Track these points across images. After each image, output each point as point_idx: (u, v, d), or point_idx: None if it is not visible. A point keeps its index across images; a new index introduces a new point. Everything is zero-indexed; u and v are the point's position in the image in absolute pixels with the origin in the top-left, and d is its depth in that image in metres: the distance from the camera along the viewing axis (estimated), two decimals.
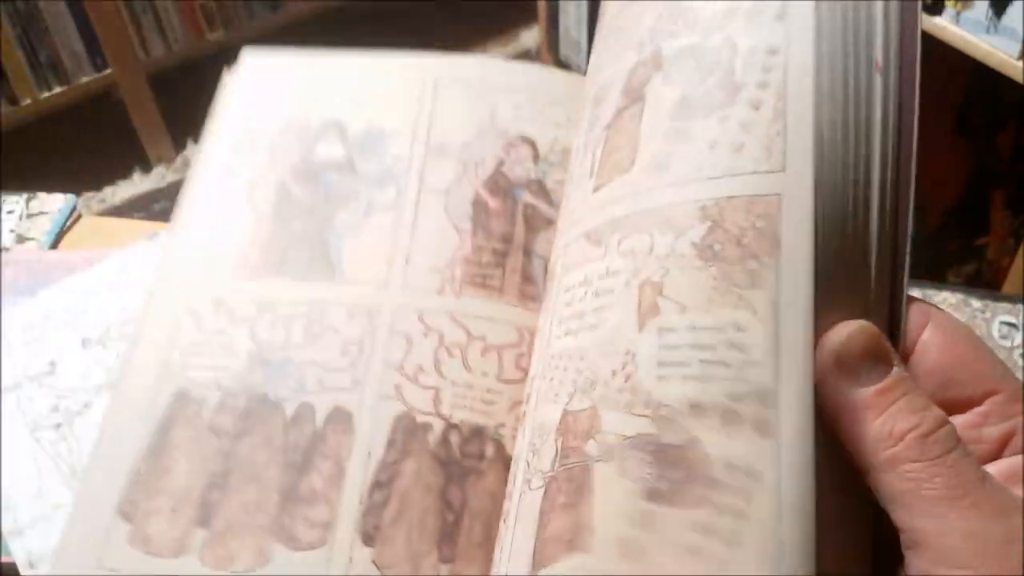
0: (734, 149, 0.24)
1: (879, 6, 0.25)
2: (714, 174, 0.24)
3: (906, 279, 0.23)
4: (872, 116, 0.24)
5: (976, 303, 0.63)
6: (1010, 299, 0.64)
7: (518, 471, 0.27)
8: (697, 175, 0.24)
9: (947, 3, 0.87)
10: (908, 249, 0.23)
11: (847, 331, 0.22)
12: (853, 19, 0.24)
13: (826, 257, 0.22)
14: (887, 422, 0.21)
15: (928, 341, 0.23)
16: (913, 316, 0.23)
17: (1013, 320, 0.63)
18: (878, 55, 0.24)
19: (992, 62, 0.86)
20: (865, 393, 0.21)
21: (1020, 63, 0.84)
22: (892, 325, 0.23)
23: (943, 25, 0.90)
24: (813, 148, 0.23)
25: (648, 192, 0.25)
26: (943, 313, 0.23)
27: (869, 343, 0.22)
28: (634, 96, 0.27)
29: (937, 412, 0.21)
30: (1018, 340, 0.62)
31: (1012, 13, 0.84)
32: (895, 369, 0.22)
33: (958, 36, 0.87)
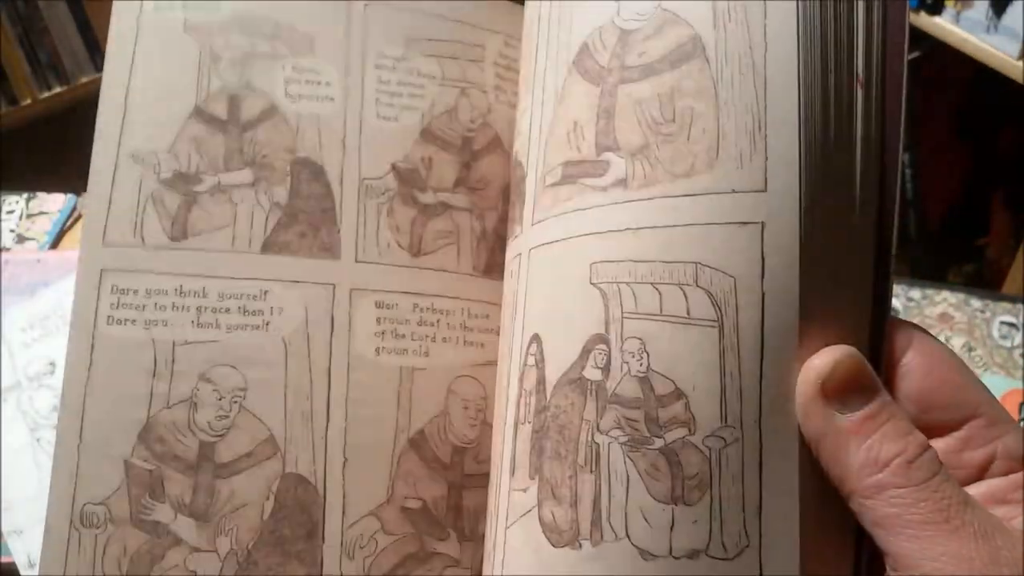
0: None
1: (861, 18, 0.24)
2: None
3: (889, 299, 0.23)
4: (854, 132, 0.23)
5: (976, 303, 0.63)
6: (1010, 299, 0.64)
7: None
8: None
9: (947, 3, 0.87)
10: (891, 269, 0.23)
11: (832, 357, 0.21)
12: (834, 32, 0.24)
13: (809, 280, 0.22)
14: (872, 448, 0.21)
15: (910, 364, 0.22)
16: (896, 338, 0.23)
17: (1013, 320, 0.63)
18: (860, 69, 0.23)
19: (992, 62, 0.86)
20: (849, 420, 0.21)
21: (1020, 63, 0.85)
22: (874, 347, 0.23)
23: (943, 25, 0.89)
24: (798, 167, 0.22)
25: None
26: (927, 336, 0.23)
27: (854, 370, 0.21)
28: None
29: (920, 437, 0.21)
30: (1018, 340, 0.63)
31: (1012, 13, 0.84)
32: (879, 395, 0.21)
33: (958, 36, 0.87)
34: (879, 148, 0.23)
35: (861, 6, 0.24)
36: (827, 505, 0.22)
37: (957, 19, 0.87)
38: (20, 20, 1.33)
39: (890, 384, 0.22)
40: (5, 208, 0.60)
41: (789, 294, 0.22)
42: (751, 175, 0.22)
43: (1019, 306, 0.64)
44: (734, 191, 0.22)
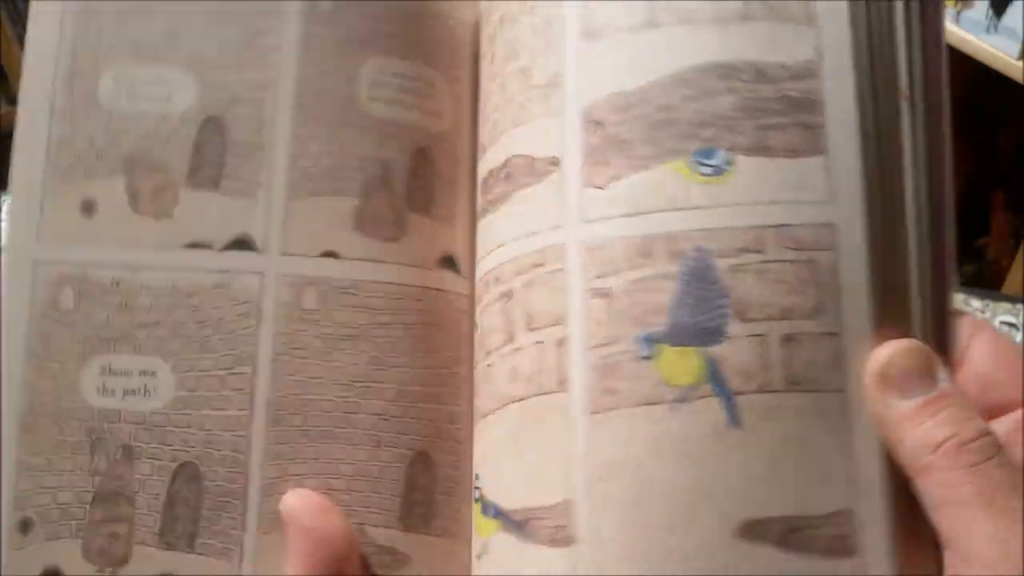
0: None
1: (901, 31, 0.25)
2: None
3: (951, 298, 0.25)
4: (902, 142, 0.25)
5: (976, 303, 0.63)
6: (1010, 299, 0.65)
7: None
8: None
9: (947, 3, 0.87)
10: (953, 265, 0.25)
11: (893, 348, 0.23)
12: (876, 38, 0.25)
13: (875, 283, 0.24)
14: (928, 431, 0.22)
15: (974, 348, 0.24)
16: (962, 329, 0.25)
17: (1013, 320, 0.63)
18: (903, 82, 0.25)
19: (992, 62, 0.85)
20: (908, 406, 0.23)
21: (1020, 63, 0.84)
22: (941, 339, 0.24)
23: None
24: (861, 176, 0.24)
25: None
26: (990, 327, 0.25)
27: (914, 358, 0.23)
28: None
29: (979, 423, 0.22)
30: (1018, 340, 0.63)
31: (1012, 13, 0.83)
32: (941, 383, 0.23)
33: (958, 36, 0.86)
34: (927, 156, 0.25)
35: (900, 20, 0.25)
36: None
37: (957, 19, 0.86)
38: (20, 20, 1.32)
39: (955, 370, 0.24)
40: (5, 208, 0.58)
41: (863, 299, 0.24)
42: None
43: (1019, 306, 0.64)
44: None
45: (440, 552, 0.28)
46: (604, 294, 0.25)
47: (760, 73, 0.25)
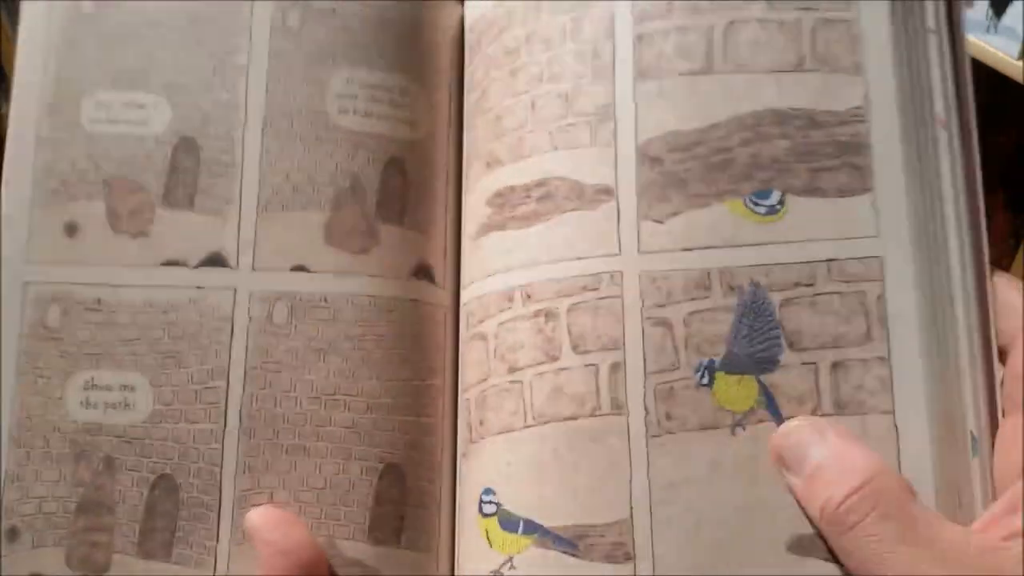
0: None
1: (935, 62, 0.26)
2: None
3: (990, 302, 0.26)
4: (941, 168, 0.26)
5: None
6: None
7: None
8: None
9: None
10: (987, 272, 0.26)
11: (779, 432, 0.25)
12: (915, 76, 0.26)
13: (923, 308, 0.26)
14: (811, 505, 0.24)
15: (996, 288, 0.26)
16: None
17: None
18: (939, 109, 0.26)
19: (992, 62, 0.83)
20: (797, 482, 0.24)
21: (1020, 63, 0.82)
22: (987, 350, 0.26)
23: None
24: (907, 210, 0.26)
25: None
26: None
27: (792, 439, 0.25)
28: None
29: (851, 482, 0.23)
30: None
31: (1012, 13, 0.82)
32: (816, 456, 0.24)
33: None
34: (964, 175, 0.26)
35: (935, 52, 0.27)
36: None
37: None
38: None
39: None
40: None
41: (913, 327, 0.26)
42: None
43: None
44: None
45: (410, 565, 0.28)
46: (663, 323, 0.26)
47: (812, 120, 0.27)
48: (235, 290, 0.29)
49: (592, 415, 0.26)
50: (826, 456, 0.24)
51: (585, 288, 0.27)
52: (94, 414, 0.28)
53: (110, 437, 0.28)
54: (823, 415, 0.25)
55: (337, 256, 0.29)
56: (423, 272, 0.30)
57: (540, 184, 0.28)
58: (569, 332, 0.27)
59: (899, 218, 0.26)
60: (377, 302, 0.29)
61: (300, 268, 0.29)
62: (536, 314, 0.27)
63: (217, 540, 0.27)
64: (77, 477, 0.28)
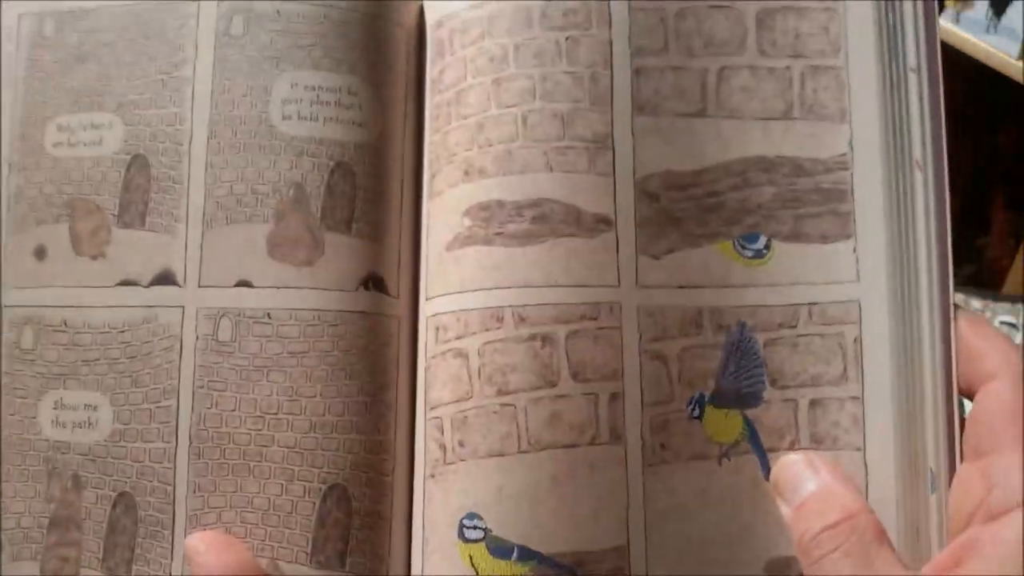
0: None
1: (915, 105, 0.27)
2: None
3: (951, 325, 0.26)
4: (916, 209, 0.27)
5: (976, 303, 0.65)
6: (1010, 299, 0.66)
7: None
8: None
9: (947, 3, 0.86)
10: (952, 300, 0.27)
11: (776, 465, 0.27)
12: (897, 119, 0.27)
13: (895, 350, 0.27)
14: (800, 532, 0.25)
15: (957, 328, 0.26)
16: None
17: (1013, 320, 0.64)
18: (917, 152, 0.27)
19: (992, 62, 0.85)
20: (786, 511, 0.26)
21: (1020, 63, 0.84)
22: (948, 374, 0.26)
23: (943, 25, 0.87)
24: (885, 255, 0.27)
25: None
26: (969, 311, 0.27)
27: (787, 472, 0.26)
28: None
29: (840, 511, 0.25)
30: (1018, 340, 0.64)
31: (1012, 13, 0.84)
32: (808, 487, 0.26)
33: (958, 36, 0.86)
34: (939, 223, 0.27)
35: (915, 95, 0.27)
36: None
37: (957, 19, 0.86)
38: None
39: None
40: None
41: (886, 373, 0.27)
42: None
43: (1019, 306, 0.66)
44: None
45: None
46: (659, 356, 0.27)
47: (798, 167, 0.28)
48: (183, 308, 0.29)
49: (592, 443, 0.26)
50: (814, 491, 0.26)
51: (584, 317, 0.27)
52: (63, 432, 0.29)
53: (77, 455, 0.29)
54: (800, 449, 0.27)
55: (280, 269, 0.28)
56: (374, 282, 0.29)
57: (534, 204, 0.27)
58: (568, 359, 0.27)
59: (877, 263, 0.27)
60: (322, 316, 0.28)
61: (244, 283, 0.28)
62: (532, 338, 0.27)
63: (172, 558, 0.28)
64: (49, 493, 0.29)
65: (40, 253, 0.30)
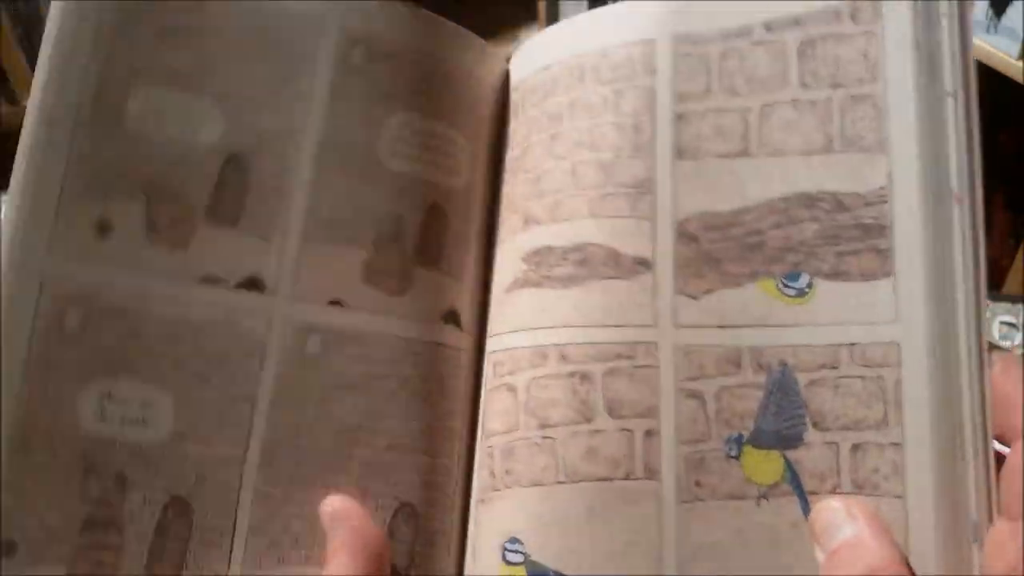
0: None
1: (952, 138, 0.27)
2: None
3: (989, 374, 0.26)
4: (954, 245, 0.26)
5: None
6: (1010, 299, 0.65)
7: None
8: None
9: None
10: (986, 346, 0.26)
11: (814, 510, 0.26)
12: (936, 147, 0.27)
13: (935, 396, 0.26)
14: None
15: (993, 374, 0.26)
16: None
17: (1013, 320, 0.64)
18: (955, 183, 0.26)
19: (992, 62, 0.84)
20: (820, 557, 0.26)
21: (1020, 63, 0.83)
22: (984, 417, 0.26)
23: None
24: (924, 295, 0.26)
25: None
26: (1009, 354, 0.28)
27: (824, 517, 0.26)
28: None
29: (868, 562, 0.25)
30: (1018, 340, 0.64)
31: (1012, 13, 0.83)
32: (844, 534, 0.25)
33: None
34: (975, 260, 0.26)
35: (952, 128, 0.27)
36: None
37: None
38: (20, 20, 1.25)
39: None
40: (4, 208, 0.53)
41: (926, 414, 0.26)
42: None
43: (1019, 306, 0.65)
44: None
45: None
46: (696, 395, 0.28)
47: (839, 203, 0.28)
48: (271, 317, 0.29)
49: (626, 478, 0.28)
50: (847, 539, 0.25)
51: (620, 355, 0.28)
52: (108, 428, 0.27)
53: (124, 453, 0.27)
54: (842, 493, 0.27)
55: (374, 295, 0.30)
56: (452, 317, 0.32)
57: (577, 248, 0.30)
58: (604, 396, 0.28)
59: (916, 302, 0.26)
60: (407, 343, 0.30)
61: (336, 303, 0.29)
62: (571, 375, 0.29)
63: (228, 568, 0.27)
64: (85, 492, 0.26)
65: (103, 228, 0.27)
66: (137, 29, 0.28)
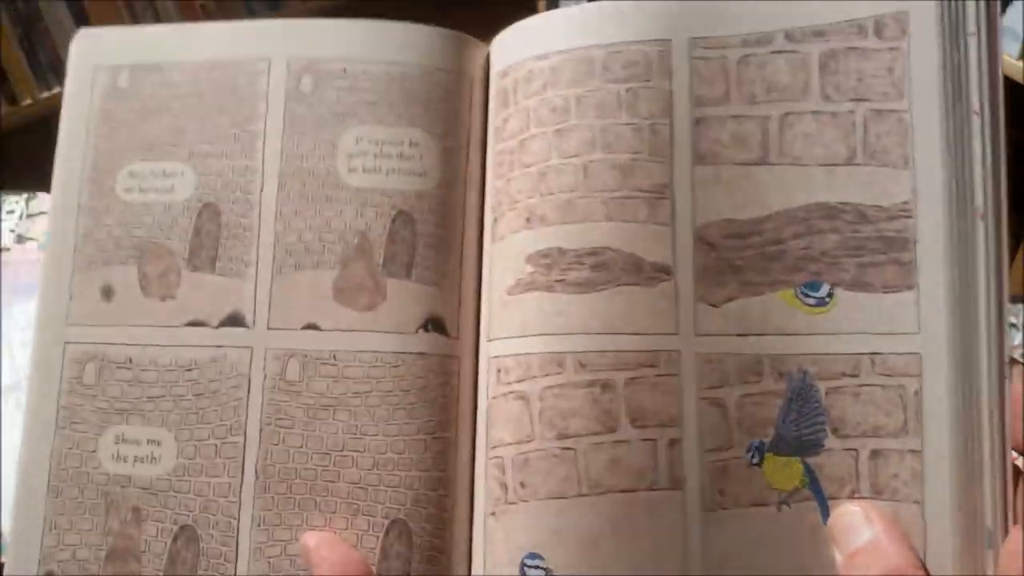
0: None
1: (978, 152, 0.27)
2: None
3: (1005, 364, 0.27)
4: (977, 261, 0.27)
5: None
6: (1010, 299, 0.61)
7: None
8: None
9: None
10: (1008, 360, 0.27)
11: (834, 513, 0.27)
12: (961, 165, 0.27)
13: (954, 406, 0.27)
14: None
15: (1014, 386, 0.27)
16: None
17: (1013, 320, 0.63)
18: (979, 200, 0.27)
19: None
20: (839, 558, 0.27)
21: (1020, 63, 0.84)
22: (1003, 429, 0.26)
23: None
24: (948, 309, 0.27)
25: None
26: None
27: (843, 521, 0.27)
28: None
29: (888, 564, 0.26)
30: (1018, 340, 0.63)
31: (1012, 13, 0.83)
32: (863, 537, 0.26)
33: None
34: (997, 276, 0.27)
35: (978, 142, 0.27)
36: None
37: None
38: (20, 20, 1.27)
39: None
40: (5, 208, 0.59)
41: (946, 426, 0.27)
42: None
43: (1019, 306, 0.65)
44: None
45: None
46: (718, 403, 0.28)
47: (861, 215, 0.28)
48: (252, 349, 0.30)
49: (650, 489, 0.27)
50: (865, 543, 0.26)
51: (642, 364, 0.28)
52: (124, 467, 0.30)
53: (138, 489, 0.30)
54: (860, 498, 0.27)
55: (345, 313, 0.30)
56: (433, 324, 0.31)
57: (594, 253, 0.29)
58: (627, 405, 0.28)
59: (938, 315, 0.27)
60: (383, 357, 0.30)
61: (311, 326, 0.30)
62: (591, 383, 0.28)
63: None
64: (108, 526, 0.30)
65: (107, 293, 0.31)
66: (118, 112, 0.32)
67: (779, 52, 0.29)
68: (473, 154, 0.32)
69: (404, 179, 0.31)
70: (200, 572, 0.29)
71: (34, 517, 0.30)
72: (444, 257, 0.31)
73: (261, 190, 0.31)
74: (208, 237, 0.31)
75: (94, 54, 0.33)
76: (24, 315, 0.50)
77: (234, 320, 0.30)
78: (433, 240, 0.31)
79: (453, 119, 0.32)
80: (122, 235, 0.31)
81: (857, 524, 0.26)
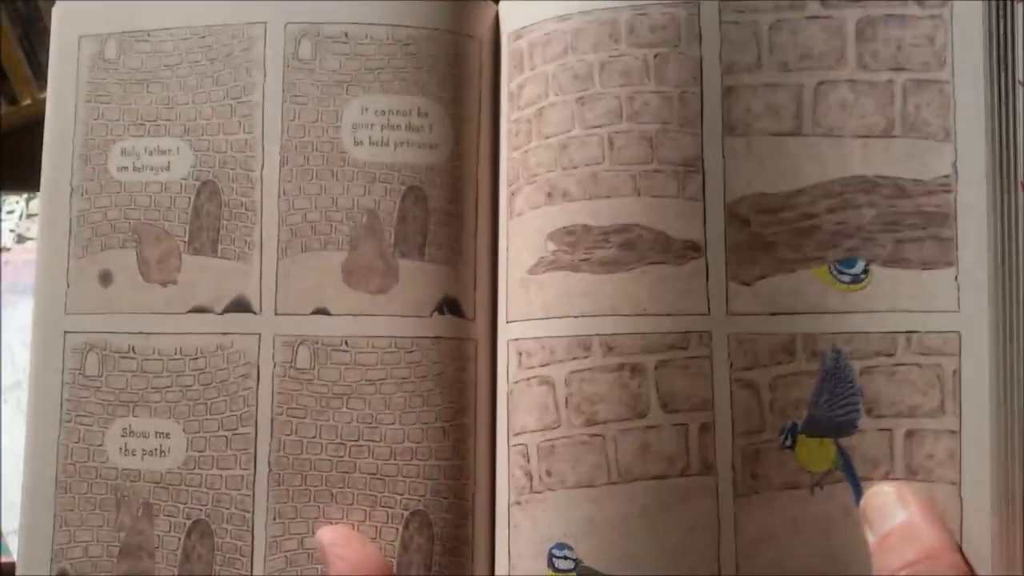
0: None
1: (1022, 125, 0.26)
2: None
3: None
4: (1019, 238, 0.26)
5: None
6: None
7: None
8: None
9: None
10: None
11: (867, 493, 0.26)
12: (1005, 138, 0.26)
13: (995, 386, 0.26)
14: (882, 562, 0.25)
15: None
16: None
17: None
18: (1021, 173, 0.26)
19: None
20: (872, 539, 0.26)
21: None
22: None
23: None
24: (988, 288, 0.26)
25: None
26: None
27: (877, 501, 0.26)
28: None
29: (925, 548, 0.25)
30: None
31: None
32: (898, 518, 0.25)
33: None
34: None
35: (1022, 114, 0.26)
36: None
37: None
38: (20, 20, 1.22)
39: None
40: (5, 208, 0.58)
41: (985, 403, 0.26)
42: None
43: None
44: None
45: None
46: (750, 385, 0.27)
47: (899, 189, 0.27)
48: (259, 335, 0.29)
49: (682, 475, 0.26)
50: (899, 524, 0.25)
51: (672, 346, 0.27)
52: (133, 460, 0.29)
53: (148, 483, 0.29)
54: (894, 479, 0.26)
55: (356, 297, 0.28)
56: (449, 306, 0.29)
57: (622, 230, 0.27)
58: (658, 389, 0.27)
59: (980, 294, 0.26)
60: (397, 343, 0.28)
61: (321, 311, 0.28)
62: (620, 367, 0.27)
63: None
64: (119, 522, 0.29)
65: (105, 279, 0.30)
66: (105, 87, 0.30)
67: (813, 18, 0.27)
68: (484, 120, 0.30)
69: (413, 152, 0.29)
70: (216, 567, 0.28)
71: (43, 514, 0.29)
72: (457, 235, 0.29)
73: (262, 167, 0.29)
74: (208, 218, 0.29)
75: (78, 23, 0.30)
76: (24, 315, 0.50)
77: (240, 305, 0.29)
78: (446, 217, 0.29)
79: (463, 86, 0.30)
80: (118, 217, 0.30)
81: (890, 505, 0.26)
